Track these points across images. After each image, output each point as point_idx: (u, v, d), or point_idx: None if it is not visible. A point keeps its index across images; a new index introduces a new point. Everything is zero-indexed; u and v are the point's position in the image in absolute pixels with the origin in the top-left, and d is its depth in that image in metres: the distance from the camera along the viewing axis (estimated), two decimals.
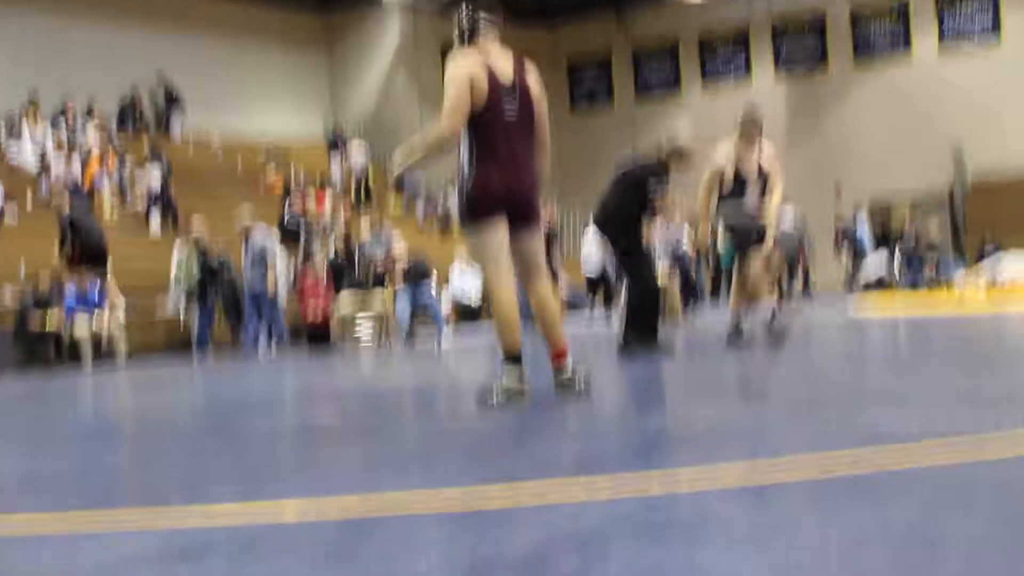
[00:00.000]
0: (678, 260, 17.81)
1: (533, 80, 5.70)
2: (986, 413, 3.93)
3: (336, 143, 27.38)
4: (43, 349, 14.91)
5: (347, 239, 18.99)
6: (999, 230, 23.73)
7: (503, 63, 5.58)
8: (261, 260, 15.62)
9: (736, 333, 8.91)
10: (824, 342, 10.34)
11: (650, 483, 3.00)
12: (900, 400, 4.59)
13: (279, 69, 28.95)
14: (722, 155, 8.88)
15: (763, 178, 8.90)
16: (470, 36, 5.65)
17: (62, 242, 15.75)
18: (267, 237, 16.12)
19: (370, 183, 26.20)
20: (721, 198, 8.92)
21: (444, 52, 29.41)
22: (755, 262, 8.91)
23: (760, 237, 8.95)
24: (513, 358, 5.41)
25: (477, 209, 5.52)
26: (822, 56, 28.62)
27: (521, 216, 5.58)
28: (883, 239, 24.41)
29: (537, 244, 5.74)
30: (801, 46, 28.86)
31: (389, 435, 4.94)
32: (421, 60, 29.61)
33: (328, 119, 29.84)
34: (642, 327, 8.80)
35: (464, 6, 5.70)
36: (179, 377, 11.93)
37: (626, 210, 9.02)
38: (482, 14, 5.66)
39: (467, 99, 5.43)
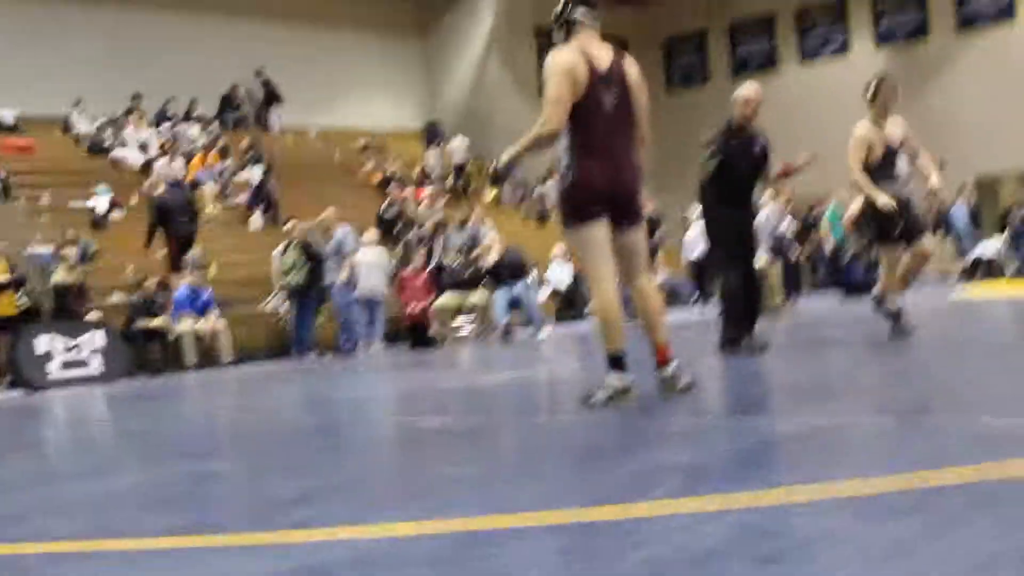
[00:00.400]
0: (779, 245, 17.43)
1: (633, 71, 5.63)
2: None
3: (433, 136, 27.34)
4: (149, 350, 15.21)
5: (435, 232, 18.94)
6: None
7: (603, 54, 5.53)
8: (336, 253, 15.70)
9: (896, 320, 8.04)
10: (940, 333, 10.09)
11: (759, 498, 2.96)
12: None
13: (374, 59, 29.02)
14: (864, 127, 8.09)
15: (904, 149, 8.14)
16: (568, 31, 5.62)
17: (152, 229, 16.11)
18: (348, 233, 16.12)
19: (469, 177, 26.21)
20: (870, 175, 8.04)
21: (538, 36, 29.59)
22: (922, 249, 8.01)
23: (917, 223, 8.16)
24: (616, 358, 5.39)
25: (579, 210, 5.48)
26: (923, 25, 27.90)
27: (623, 213, 5.53)
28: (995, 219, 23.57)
29: (640, 239, 5.68)
30: (901, 16, 28.22)
31: (494, 445, 4.94)
32: (515, 44, 29.49)
33: (425, 109, 29.96)
34: (739, 320, 8.26)
35: (564, 1, 5.65)
36: (285, 378, 12.09)
37: (713, 182, 8.46)
38: (581, 8, 5.60)
39: (569, 90, 5.38)
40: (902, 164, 8.33)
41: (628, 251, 5.60)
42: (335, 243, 15.78)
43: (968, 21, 27.14)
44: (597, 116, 5.46)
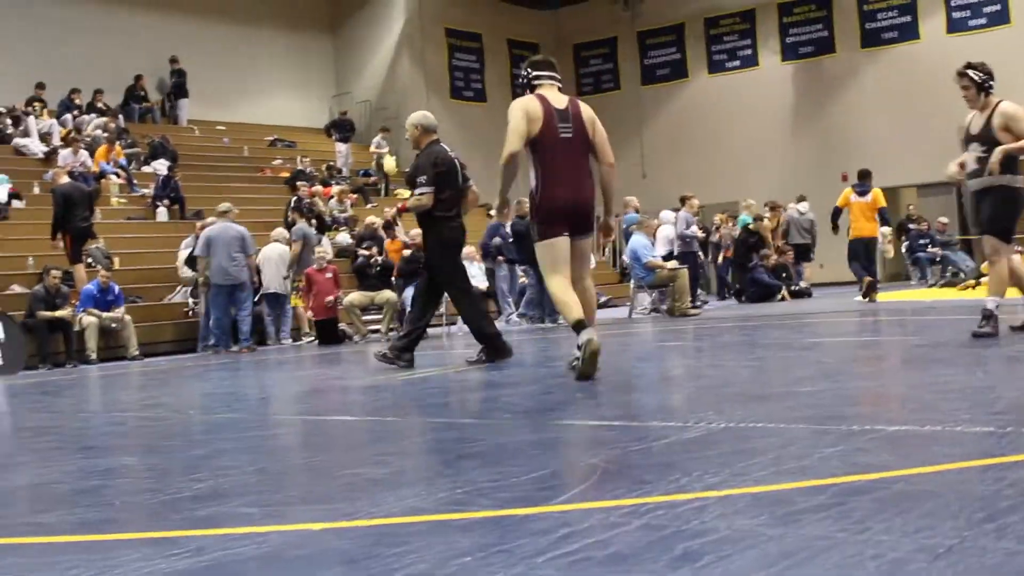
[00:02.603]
0: (687, 249, 18.05)
1: (587, 111, 7.09)
2: None
3: (343, 130, 27.08)
4: (51, 342, 14.92)
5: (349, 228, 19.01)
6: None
7: (559, 97, 7.03)
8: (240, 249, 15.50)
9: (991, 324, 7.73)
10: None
11: (673, 497, 2.98)
12: None
13: (284, 54, 28.86)
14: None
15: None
16: (531, 88, 7.14)
17: (57, 221, 15.73)
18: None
19: (388, 175, 26.11)
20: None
21: (448, 36, 29.58)
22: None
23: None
24: (575, 325, 6.58)
25: (546, 227, 6.88)
26: (829, 40, 28.38)
27: (579, 225, 6.96)
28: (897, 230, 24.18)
29: (588, 246, 7.15)
30: (808, 29, 28.70)
31: (405, 444, 4.92)
32: (426, 44, 29.47)
33: (335, 106, 29.79)
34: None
35: (525, 67, 7.29)
36: (192, 372, 11.92)
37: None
38: (537, 73, 7.19)
39: (524, 125, 6.83)
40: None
41: (579, 255, 7.01)
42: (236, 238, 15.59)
43: (872, 36, 27.67)
44: (556, 147, 6.87)
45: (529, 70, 7.21)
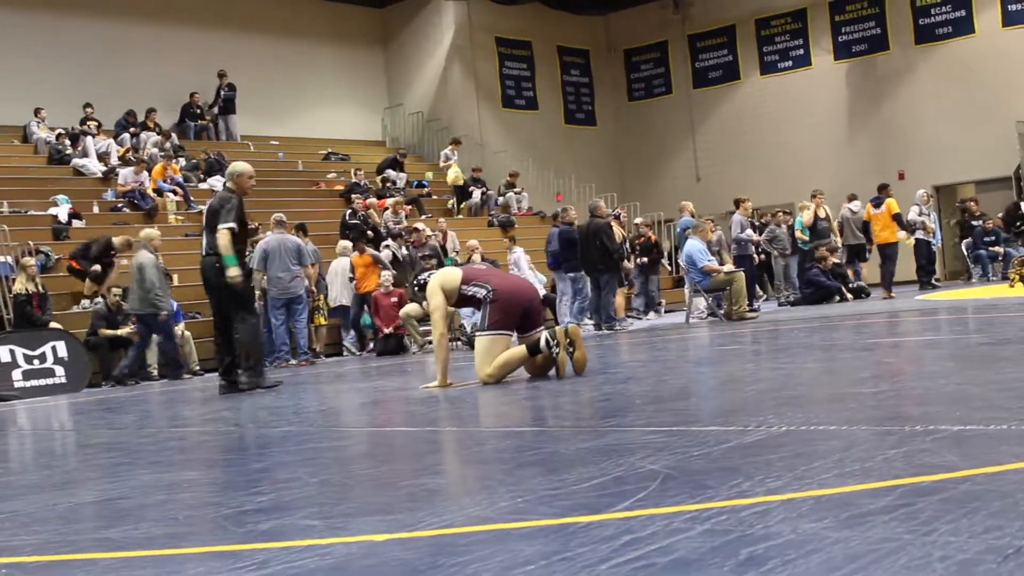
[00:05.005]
0: (743, 252, 18.01)
1: None
2: None
3: (394, 167, 26.65)
4: (114, 360, 15.12)
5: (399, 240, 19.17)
6: None
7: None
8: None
9: None
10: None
11: (736, 503, 2.96)
12: None
13: (335, 69, 29.05)
14: None
15: None
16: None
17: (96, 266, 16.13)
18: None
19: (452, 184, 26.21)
20: None
21: (499, 45, 29.63)
22: None
23: None
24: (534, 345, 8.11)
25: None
26: (883, 37, 28.10)
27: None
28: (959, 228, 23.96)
29: None
30: (860, 27, 28.43)
31: (465, 454, 4.91)
32: (476, 52, 29.56)
33: (385, 118, 29.93)
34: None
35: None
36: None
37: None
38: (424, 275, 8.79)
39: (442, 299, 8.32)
40: None
41: None
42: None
43: (927, 34, 27.35)
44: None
45: None
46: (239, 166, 10.63)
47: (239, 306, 10.27)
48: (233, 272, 9.97)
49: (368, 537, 2.98)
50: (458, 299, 8.42)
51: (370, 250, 17.65)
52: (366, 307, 17.19)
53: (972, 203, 23.76)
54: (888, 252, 19.39)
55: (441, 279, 8.40)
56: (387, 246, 18.66)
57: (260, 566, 2.76)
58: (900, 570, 2.15)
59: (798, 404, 5.11)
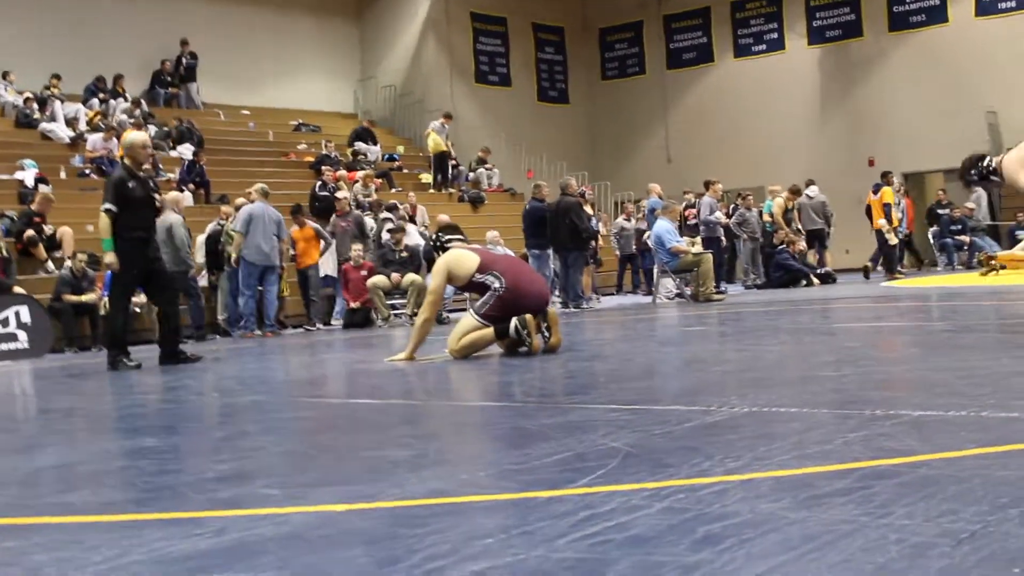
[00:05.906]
0: (712, 234, 18.06)
1: None
2: None
3: (365, 139, 26.44)
4: (77, 325, 15.02)
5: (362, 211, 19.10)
6: None
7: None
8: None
9: None
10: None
11: (694, 481, 2.98)
12: None
13: (308, 40, 28.86)
14: None
15: None
16: (443, 250, 8.57)
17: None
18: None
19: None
20: None
21: (474, 20, 29.52)
22: None
23: None
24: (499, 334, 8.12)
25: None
26: (856, 24, 28.15)
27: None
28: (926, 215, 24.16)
29: None
30: (835, 12, 28.47)
31: (426, 427, 4.91)
32: (451, 26, 29.44)
33: (358, 90, 29.78)
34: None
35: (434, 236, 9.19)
36: (219, 356, 11.96)
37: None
38: (447, 237, 8.74)
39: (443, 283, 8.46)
40: None
41: None
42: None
43: (900, 22, 27.42)
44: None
45: (438, 236, 8.85)
46: (130, 136, 10.36)
47: (119, 292, 10.13)
48: (109, 259, 9.69)
49: (327, 507, 2.98)
50: (468, 283, 8.31)
51: (311, 223, 17.48)
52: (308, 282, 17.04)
53: (940, 193, 24.00)
54: (886, 237, 20.16)
55: (454, 262, 8.28)
56: (388, 219, 18.42)
57: (217, 533, 2.75)
58: (855, 551, 2.17)
59: (761, 386, 5.14)
